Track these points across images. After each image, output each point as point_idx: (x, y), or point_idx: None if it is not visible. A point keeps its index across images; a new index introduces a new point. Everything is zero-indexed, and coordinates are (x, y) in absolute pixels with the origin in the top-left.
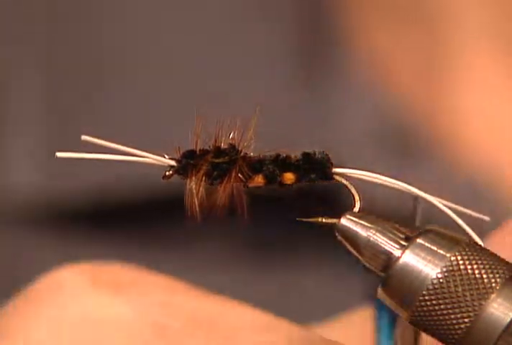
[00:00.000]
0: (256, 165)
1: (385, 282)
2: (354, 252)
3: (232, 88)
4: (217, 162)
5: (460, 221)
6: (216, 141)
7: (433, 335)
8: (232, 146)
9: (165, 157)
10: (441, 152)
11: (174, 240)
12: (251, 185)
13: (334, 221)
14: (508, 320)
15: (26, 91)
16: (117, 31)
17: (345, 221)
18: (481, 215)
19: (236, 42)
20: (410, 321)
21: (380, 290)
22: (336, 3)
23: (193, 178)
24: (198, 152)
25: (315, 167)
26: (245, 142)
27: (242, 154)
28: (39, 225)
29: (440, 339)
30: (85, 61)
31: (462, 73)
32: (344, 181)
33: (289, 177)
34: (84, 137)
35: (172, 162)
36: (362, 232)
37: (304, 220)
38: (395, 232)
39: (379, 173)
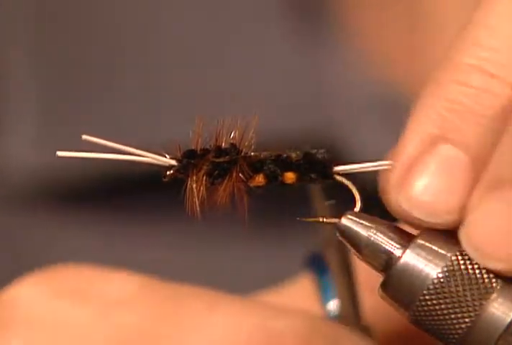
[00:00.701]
0: (257, 165)
1: (386, 282)
2: (355, 252)
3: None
4: (218, 162)
5: None
6: (216, 140)
7: (434, 335)
8: (233, 146)
9: (165, 157)
10: None
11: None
12: (252, 184)
13: (335, 220)
14: (509, 320)
15: (20, 90)
16: (115, 26)
17: (346, 221)
18: None
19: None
20: (411, 321)
21: (380, 290)
22: None
23: (194, 178)
24: (198, 152)
25: (316, 167)
26: (246, 142)
27: (243, 153)
28: (33, 206)
29: (441, 339)
30: (83, 59)
31: (442, 44)
32: (345, 181)
33: (290, 176)
34: (85, 137)
35: (173, 162)
36: (363, 232)
37: (305, 219)
38: (396, 232)
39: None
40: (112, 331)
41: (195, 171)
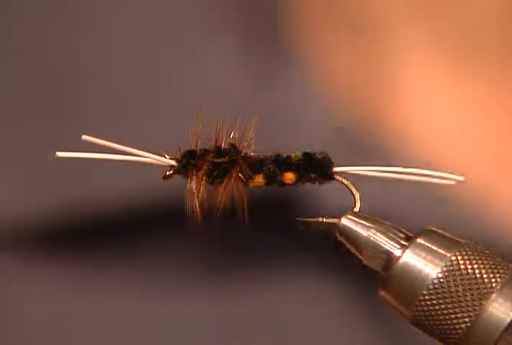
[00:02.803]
0: (256, 165)
1: (386, 282)
2: (355, 252)
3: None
4: (217, 162)
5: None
6: (216, 141)
7: (434, 335)
8: (233, 146)
9: (165, 157)
10: (384, 150)
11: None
12: (251, 184)
13: (335, 220)
14: (509, 320)
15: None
16: (107, 27)
17: (345, 221)
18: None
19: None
20: (411, 321)
21: (380, 290)
22: (281, 5)
23: (194, 178)
24: (198, 152)
25: (315, 167)
26: (245, 142)
27: (243, 154)
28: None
29: (441, 339)
30: (78, 59)
31: (400, 72)
32: (345, 181)
33: (289, 176)
34: (84, 137)
35: (173, 162)
36: (363, 232)
37: (305, 220)
38: (396, 232)
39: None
40: None
41: (194, 171)
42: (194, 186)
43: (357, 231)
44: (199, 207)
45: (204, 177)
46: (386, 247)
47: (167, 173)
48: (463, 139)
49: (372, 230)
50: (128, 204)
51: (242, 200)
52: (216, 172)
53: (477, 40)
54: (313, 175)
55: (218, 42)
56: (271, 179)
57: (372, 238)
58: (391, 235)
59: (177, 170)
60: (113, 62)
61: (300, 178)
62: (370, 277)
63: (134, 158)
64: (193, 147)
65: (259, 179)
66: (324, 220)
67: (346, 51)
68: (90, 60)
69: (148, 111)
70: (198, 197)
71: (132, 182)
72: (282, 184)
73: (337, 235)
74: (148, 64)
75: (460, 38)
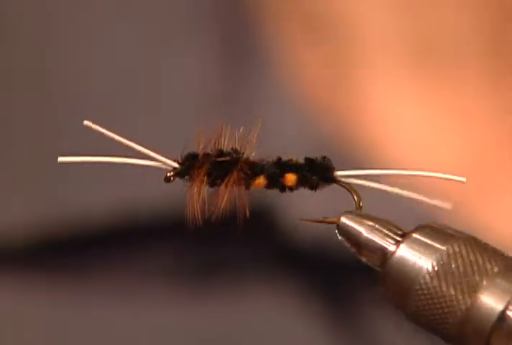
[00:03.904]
0: (257, 166)
1: (383, 278)
2: (355, 251)
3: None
4: (219, 161)
5: None
6: (217, 144)
7: (430, 330)
8: (234, 149)
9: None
10: (358, 158)
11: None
12: (252, 186)
13: (335, 220)
14: (500, 309)
15: None
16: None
17: (345, 220)
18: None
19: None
20: (409, 317)
21: (379, 287)
22: (255, 15)
23: (195, 180)
24: (200, 155)
25: (317, 170)
26: (247, 147)
27: (244, 156)
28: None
29: (437, 333)
30: (74, 63)
31: (372, 80)
32: (348, 185)
33: (291, 178)
34: (86, 122)
35: (175, 164)
36: (361, 229)
37: (307, 220)
38: (392, 228)
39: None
40: None
41: (196, 173)
42: (196, 189)
43: (355, 229)
44: (200, 211)
45: (205, 178)
46: (382, 243)
47: (168, 174)
48: (436, 143)
49: (369, 227)
50: (115, 212)
51: (243, 204)
52: (216, 172)
53: (444, 42)
54: (314, 177)
55: (194, 43)
56: (273, 180)
57: (369, 236)
58: (387, 232)
59: (178, 172)
60: (91, 66)
61: (302, 180)
62: (358, 288)
63: (135, 161)
64: (195, 151)
65: (260, 180)
66: (326, 221)
67: (315, 56)
68: (69, 61)
69: (125, 113)
70: (199, 200)
71: (120, 187)
72: (283, 187)
73: (337, 234)
74: (126, 65)
75: (427, 40)
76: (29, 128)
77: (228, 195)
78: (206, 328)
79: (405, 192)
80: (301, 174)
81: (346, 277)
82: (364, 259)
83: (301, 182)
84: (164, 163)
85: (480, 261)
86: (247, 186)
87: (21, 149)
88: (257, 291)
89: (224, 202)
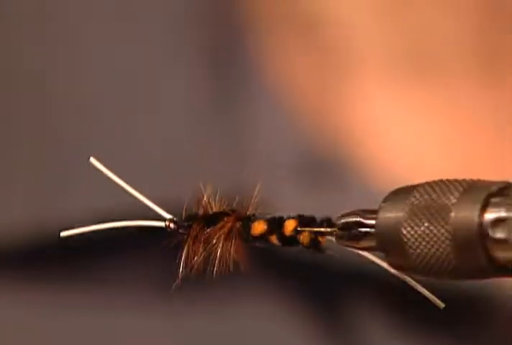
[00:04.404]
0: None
1: (381, 250)
2: (357, 251)
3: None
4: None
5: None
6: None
7: (447, 275)
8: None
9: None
10: (356, 170)
11: None
12: (252, 232)
13: (334, 229)
14: (476, 218)
15: None
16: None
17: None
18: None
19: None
20: (418, 272)
21: (385, 261)
22: (244, 21)
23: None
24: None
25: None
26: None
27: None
28: None
29: (454, 276)
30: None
31: (366, 87)
32: None
33: (291, 222)
34: (92, 160)
35: (172, 225)
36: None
37: (305, 229)
38: (365, 213)
39: None
40: None
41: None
42: (191, 242)
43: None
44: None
45: (200, 225)
46: (363, 230)
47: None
48: (425, 148)
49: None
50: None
51: (241, 251)
52: (212, 216)
53: (436, 48)
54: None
55: (183, 51)
56: (273, 224)
57: (355, 231)
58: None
59: (177, 230)
60: (79, 84)
61: (302, 226)
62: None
63: (135, 223)
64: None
65: (259, 225)
66: (322, 230)
67: (305, 63)
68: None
69: (119, 117)
70: (196, 251)
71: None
72: (284, 237)
73: (337, 242)
74: (115, 73)
75: (416, 43)
76: (29, 128)
77: (223, 240)
78: (198, 335)
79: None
80: (303, 220)
81: (345, 286)
82: (363, 254)
83: (303, 228)
84: (163, 218)
85: (444, 188)
86: (246, 233)
87: (21, 149)
88: (249, 299)
89: (221, 248)
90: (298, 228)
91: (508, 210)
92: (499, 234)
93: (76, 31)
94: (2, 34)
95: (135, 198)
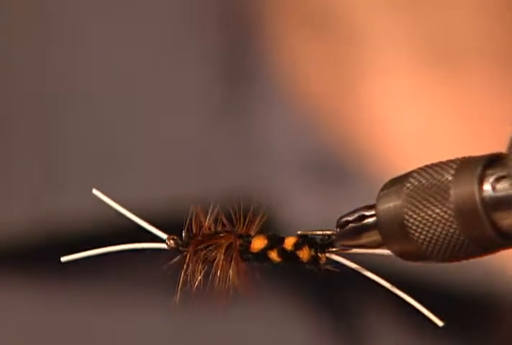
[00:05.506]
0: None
1: (383, 239)
2: (360, 249)
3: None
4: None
5: None
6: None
7: (445, 257)
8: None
9: (166, 242)
10: (367, 169)
11: None
12: (252, 249)
13: (333, 231)
14: (476, 190)
15: None
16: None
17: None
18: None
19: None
20: (423, 255)
21: (388, 249)
22: (257, 20)
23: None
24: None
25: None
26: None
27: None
28: None
29: (465, 253)
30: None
31: (378, 82)
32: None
33: (291, 239)
34: (95, 191)
35: (173, 244)
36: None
37: (305, 233)
38: (362, 208)
39: None
40: None
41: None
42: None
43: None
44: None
45: (200, 242)
46: (364, 222)
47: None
48: (440, 149)
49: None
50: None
51: (241, 267)
52: (212, 234)
53: (451, 44)
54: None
55: (193, 51)
56: (273, 240)
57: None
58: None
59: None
60: (85, 85)
61: (302, 242)
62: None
63: (135, 246)
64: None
65: (260, 240)
66: (322, 232)
67: (318, 61)
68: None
69: (124, 121)
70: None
71: None
72: (284, 251)
73: (338, 243)
74: (124, 74)
75: (432, 38)
76: (29, 128)
77: (226, 260)
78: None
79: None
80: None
81: (350, 290)
82: (368, 248)
83: (301, 244)
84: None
85: (438, 169)
86: (246, 247)
87: (21, 149)
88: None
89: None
90: (299, 232)
91: (508, 170)
92: (500, 187)
93: (84, 31)
94: (5, 34)
95: (131, 220)
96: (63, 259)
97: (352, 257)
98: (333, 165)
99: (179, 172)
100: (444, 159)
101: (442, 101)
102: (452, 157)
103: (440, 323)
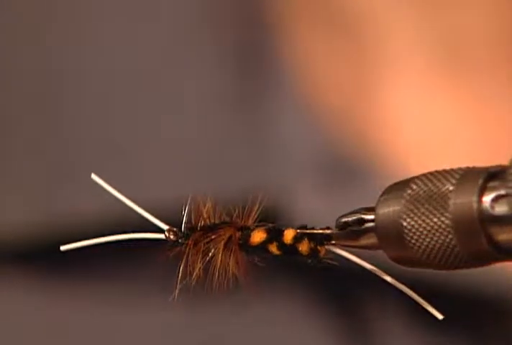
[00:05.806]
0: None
1: (383, 246)
2: (358, 250)
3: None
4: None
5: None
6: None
7: (453, 265)
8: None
9: (165, 233)
10: (378, 171)
11: None
12: (251, 241)
13: (332, 230)
14: (476, 200)
15: None
16: None
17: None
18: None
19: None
20: (421, 263)
21: (388, 257)
22: (272, 20)
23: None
24: (198, 228)
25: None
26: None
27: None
28: None
29: (460, 264)
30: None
31: (393, 83)
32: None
33: (290, 232)
34: (94, 177)
35: (172, 237)
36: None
37: (304, 231)
38: (363, 211)
39: None
40: None
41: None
42: (191, 252)
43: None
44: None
45: (200, 235)
46: (363, 227)
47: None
48: (453, 151)
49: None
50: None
51: (241, 260)
52: (212, 226)
53: (469, 47)
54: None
55: (207, 50)
56: (273, 232)
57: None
58: (359, 214)
59: (176, 242)
60: (93, 85)
61: (302, 235)
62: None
63: (134, 236)
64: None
65: (259, 233)
66: (322, 231)
67: (334, 60)
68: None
69: (132, 121)
70: (196, 261)
71: None
72: (283, 245)
73: (337, 243)
74: (137, 73)
75: (452, 44)
76: (29, 128)
77: (225, 252)
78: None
79: None
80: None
81: (351, 283)
82: (365, 249)
83: (300, 238)
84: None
85: (440, 177)
86: (245, 241)
87: (21, 149)
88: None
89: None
90: (298, 231)
91: (507, 189)
92: (498, 209)
93: (93, 30)
94: (5, 34)
95: (133, 210)
96: (62, 248)
97: (352, 250)
98: (344, 165)
99: (190, 171)
100: (455, 162)
101: (457, 103)
102: (465, 160)
103: (440, 316)
